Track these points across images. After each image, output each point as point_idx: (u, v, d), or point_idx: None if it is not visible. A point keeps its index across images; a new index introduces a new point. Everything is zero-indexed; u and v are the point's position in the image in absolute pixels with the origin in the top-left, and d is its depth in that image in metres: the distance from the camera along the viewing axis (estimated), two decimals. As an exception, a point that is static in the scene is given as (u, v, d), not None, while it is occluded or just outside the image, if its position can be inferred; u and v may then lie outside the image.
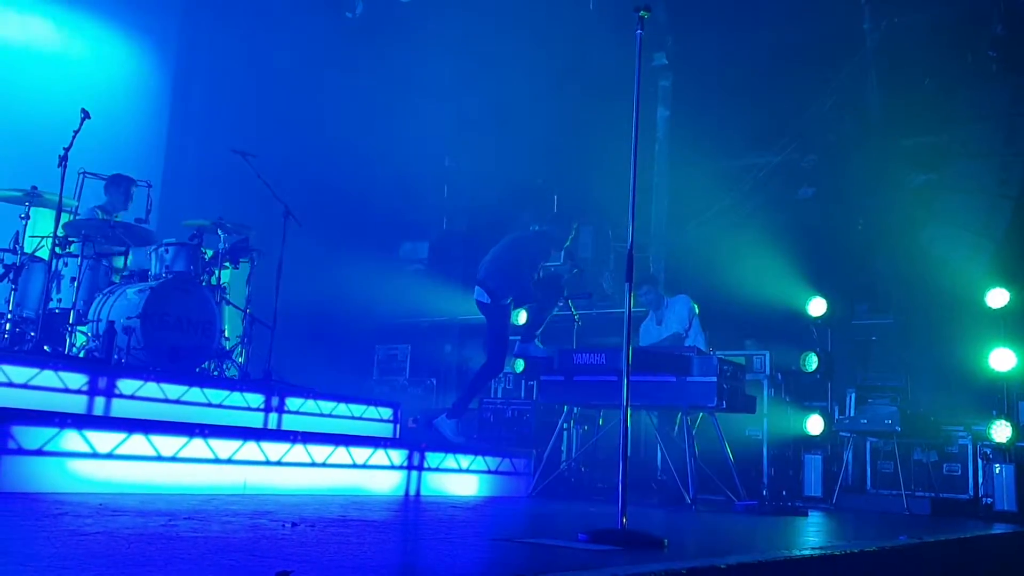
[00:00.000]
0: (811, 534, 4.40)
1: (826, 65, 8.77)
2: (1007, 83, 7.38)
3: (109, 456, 4.28)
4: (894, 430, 7.47)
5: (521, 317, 7.97)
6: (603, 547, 2.97)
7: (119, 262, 6.62)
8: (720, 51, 9.30)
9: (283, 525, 3.09)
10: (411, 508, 4.70)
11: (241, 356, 6.96)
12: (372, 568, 2.22)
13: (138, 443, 4.40)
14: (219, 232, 6.75)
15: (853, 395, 8.47)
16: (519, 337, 6.96)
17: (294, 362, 8.48)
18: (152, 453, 4.44)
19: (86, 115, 6.14)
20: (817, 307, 8.59)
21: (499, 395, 9.32)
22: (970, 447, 7.75)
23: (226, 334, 6.90)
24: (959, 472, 7.86)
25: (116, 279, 6.59)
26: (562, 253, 7.02)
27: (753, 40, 8.92)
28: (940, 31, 7.73)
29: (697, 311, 7.51)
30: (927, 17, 7.93)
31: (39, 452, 4.04)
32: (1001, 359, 7.44)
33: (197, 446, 4.63)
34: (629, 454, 8.88)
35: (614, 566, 2.35)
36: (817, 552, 3.14)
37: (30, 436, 4.03)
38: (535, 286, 6.62)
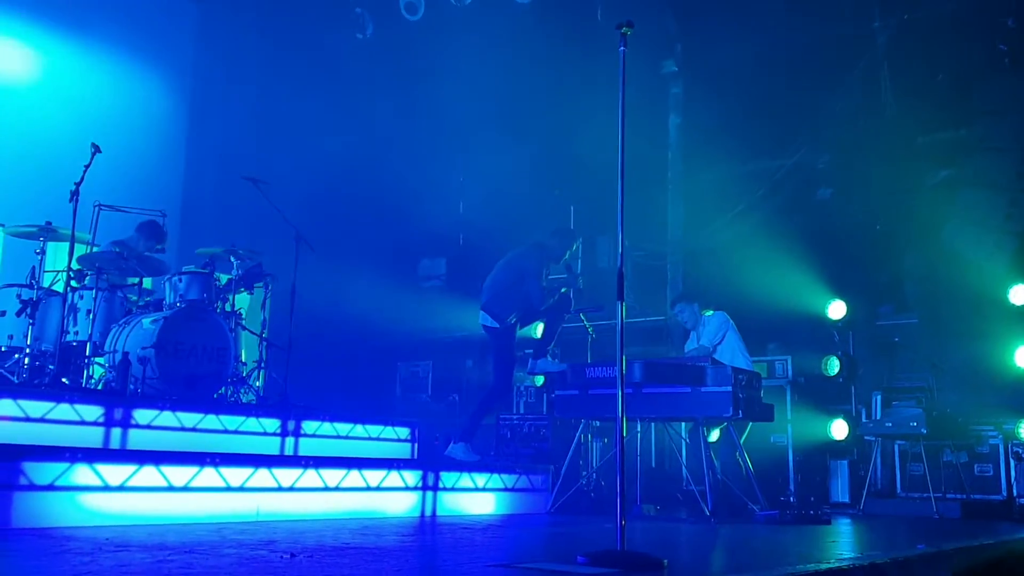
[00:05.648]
0: (822, 545, 4.32)
1: (838, 65, 8.69)
2: (1020, 76, 7.25)
3: (121, 488, 4.32)
4: (919, 432, 7.34)
5: (539, 329, 7.91)
6: (602, 570, 2.94)
7: (135, 293, 6.70)
8: (730, 56, 9.24)
9: (281, 557, 3.10)
10: (421, 532, 4.69)
11: (258, 381, 7.01)
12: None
13: (149, 474, 4.44)
14: (232, 259, 6.81)
15: (879, 398, 8.34)
16: (531, 351, 6.91)
17: (315, 384, 8.52)
18: (164, 484, 4.48)
19: (96, 149, 6.25)
20: (837, 310, 8.49)
21: (521, 409, 9.29)
22: (1001, 447, 7.60)
23: (242, 359, 6.95)
24: (991, 473, 7.70)
25: (134, 309, 6.66)
26: (562, 266, 6.90)
27: (763, 43, 8.86)
28: (951, 26, 7.63)
29: (732, 324, 7.23)
30: (937, 13, 7.82)
31: (50, 487, 4.09)
32: (1027, 357, 7.30)
33: (209, 475, 4.66)
34: (653, 466, 8.81)
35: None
36: (824, 567, 3.08)
37: (41, 471, 4.07)
38: (541, 299, 6.55)
